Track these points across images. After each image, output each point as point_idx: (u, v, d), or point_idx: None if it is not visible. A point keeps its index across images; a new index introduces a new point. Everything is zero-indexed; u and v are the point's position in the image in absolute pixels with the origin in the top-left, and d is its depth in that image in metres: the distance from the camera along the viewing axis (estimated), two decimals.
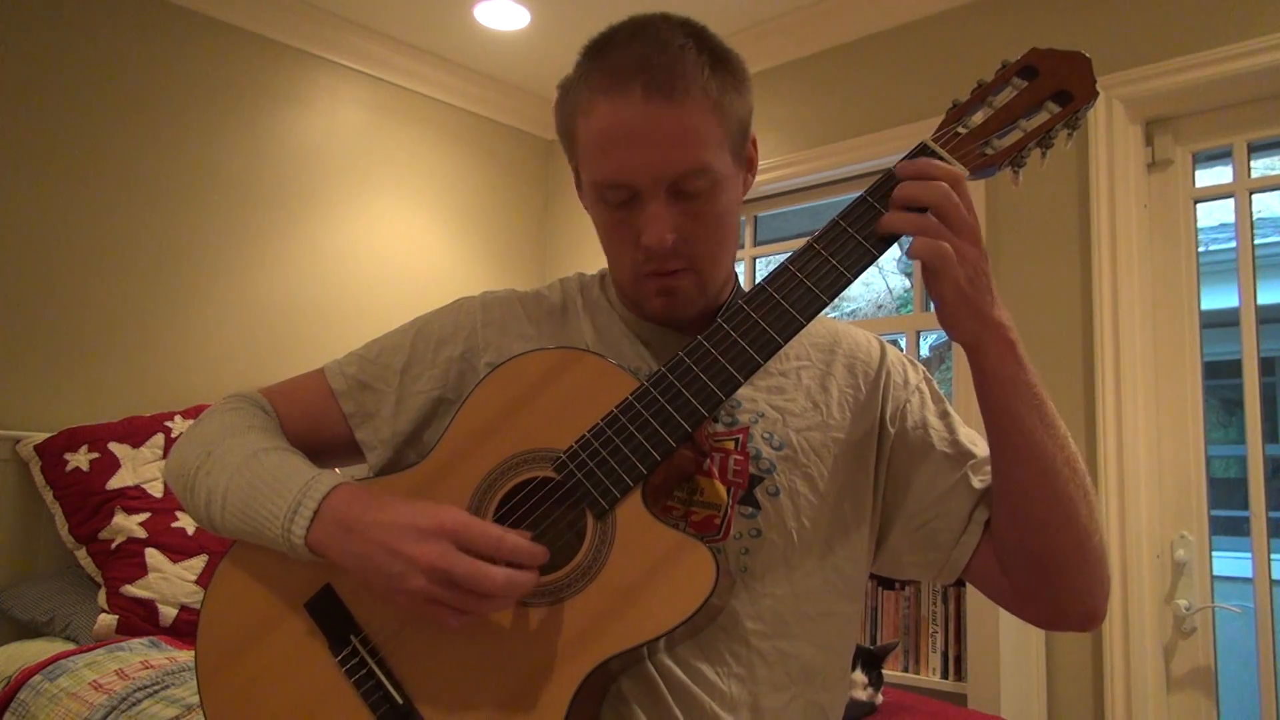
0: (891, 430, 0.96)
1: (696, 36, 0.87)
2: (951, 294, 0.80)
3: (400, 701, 0.81)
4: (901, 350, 1.05)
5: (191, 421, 2.42)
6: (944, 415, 0.98)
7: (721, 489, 0.90)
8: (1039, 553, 0.87)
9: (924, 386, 1.00)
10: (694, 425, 0.82)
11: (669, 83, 0.83)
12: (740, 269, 3.10)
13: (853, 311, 3.62)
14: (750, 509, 0.90)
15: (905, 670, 2.27)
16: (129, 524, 2.17)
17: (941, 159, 0.84)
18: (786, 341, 0.82)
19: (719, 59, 0.87)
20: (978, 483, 0.92)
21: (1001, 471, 0.87)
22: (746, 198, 0.99)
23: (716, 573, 0.77)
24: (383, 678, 0.82)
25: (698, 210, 0.87)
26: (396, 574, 0.77)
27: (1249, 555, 2.09)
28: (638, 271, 0.91)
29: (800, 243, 0.86)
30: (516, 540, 0.77)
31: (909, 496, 0.95)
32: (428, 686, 0.82)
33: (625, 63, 0.84)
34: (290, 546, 0.84)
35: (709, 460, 0.90)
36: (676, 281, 0.90)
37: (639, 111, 0.83)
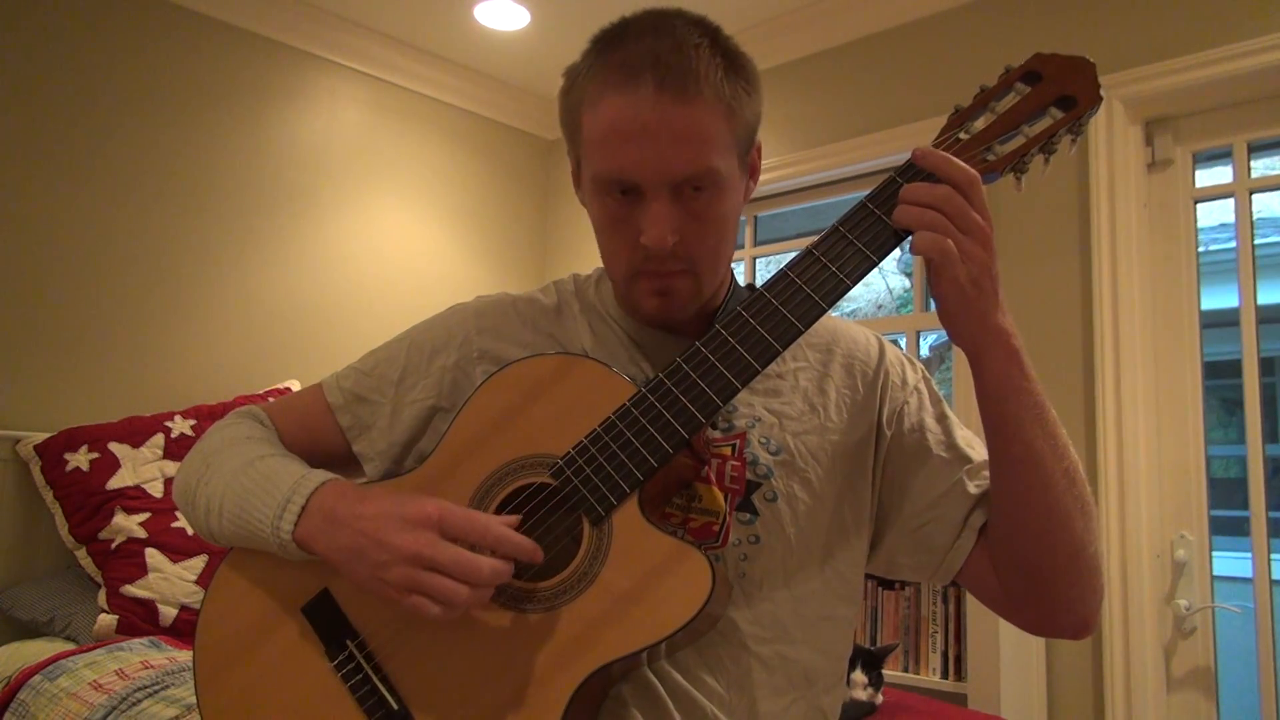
0: (889, 432, 0.96)
1: (712, 36, 0.86)
2: (952, 294, 0.79)
3: (395, 707, 0.81)
4: (901, 349, 1.04)
5: (191, 421, 2.43)
6: (941, 418, 0.97)
7: (719, 496, 0.90)
8: (1033, 561, 0.86)
9: (923, 387, 0.99)
10: (691, 432, 0.82)
11: (682, 81, 0.82)
12: (740, 269, 3.11)
13: (853, 311, 3.61)
14: (748, 515, 0.90)
15: (905, 670, 2.26)
16: (129, 524, 2.18)
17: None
18: (785, 348, 0.82)
19: (733, 61, 0.86)
20: (974, 488, 0.92)
21: (1000, 479, 0.87)
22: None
23: (713, 580, 0.77)
24: (378, 683, 0.83)
25: (700, 212, 0.86)
26: (380, 563, 0.78)
27: (1249, 555, 2.09)
28: (634, 269, 0.89)
29: (801, 243, 0.85)
30: (500, 530, 0.78)
31: (905, 499, 0.95)
32: (423, 692, 0.82)
33: (638, 57, 0.83)
34: (280, 543, 0.84)
35: (707, 467, 0.90)
36: (673, 282, 0.89)
37: (650, 107, 0.81)
